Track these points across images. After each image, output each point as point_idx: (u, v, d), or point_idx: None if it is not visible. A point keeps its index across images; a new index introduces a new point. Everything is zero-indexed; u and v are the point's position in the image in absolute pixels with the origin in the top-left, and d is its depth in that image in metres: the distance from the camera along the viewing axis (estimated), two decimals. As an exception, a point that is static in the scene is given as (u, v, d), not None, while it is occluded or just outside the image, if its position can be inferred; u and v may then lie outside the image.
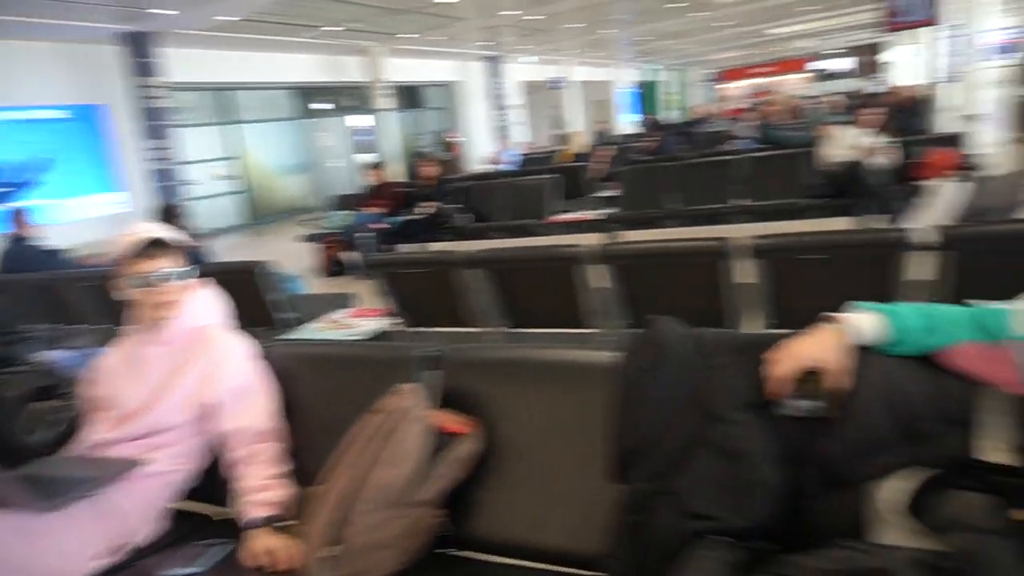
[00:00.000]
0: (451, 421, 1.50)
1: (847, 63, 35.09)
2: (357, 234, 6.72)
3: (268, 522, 1.56)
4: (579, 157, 7.71)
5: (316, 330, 3.63)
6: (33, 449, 1.90)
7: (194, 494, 1.82)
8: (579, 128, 21.29)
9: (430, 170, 6.84)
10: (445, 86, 19.83)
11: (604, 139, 12.33)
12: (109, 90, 9.89)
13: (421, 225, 6.54)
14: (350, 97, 16.45)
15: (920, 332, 1.16)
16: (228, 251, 10.35)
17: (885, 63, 31.00)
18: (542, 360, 1.57)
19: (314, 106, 15.34)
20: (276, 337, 3.67)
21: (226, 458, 1.70)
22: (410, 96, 19.18)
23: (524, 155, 12.19)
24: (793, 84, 24.66)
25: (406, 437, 1.40)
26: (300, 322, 3.76)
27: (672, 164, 6.12)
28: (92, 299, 4.10)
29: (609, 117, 27.08)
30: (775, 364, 1.19)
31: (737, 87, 25.22)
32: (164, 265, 1.71)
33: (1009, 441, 1.13)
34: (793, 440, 1.18)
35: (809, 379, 1.17)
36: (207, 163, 12.38)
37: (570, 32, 17.35)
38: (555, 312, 2.92)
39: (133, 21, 9.09)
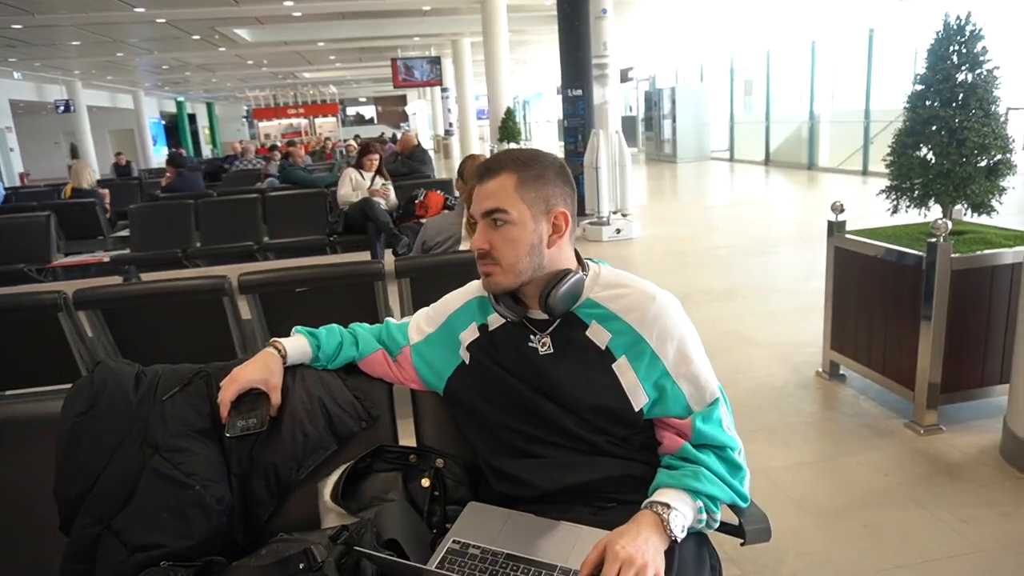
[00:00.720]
0: None
1: (370, 111, 38.86)
2: None
3: None
4: (79, 192, 6.85)
5: None
6: None
7: None
8: (87, 160, 18.86)
9: None
10: None
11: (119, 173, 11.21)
12: None
13: None
14: None
15: (335, 348, 1.42)
16: None
17: (413, 113, 35.41)
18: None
19: None
20: None
21: None
22: None
23: (11, 190, 10.23)
24: (325, 126, 26.14)
25: None
26: None
27: (191, 202, 5.92)
28: None
29: (136, 148, 24.68)
30: (222, 390, 1.32)
31: (273, 125, 25.59)
32: None
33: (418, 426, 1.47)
34: (242, 457, 1.32)
35: (246, 400, 1.32)
36: None
37: (73, 49, 15.31)
38: (32, 368, 2.59)
39: None
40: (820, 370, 3.43)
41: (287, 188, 7.41)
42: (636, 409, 1.19)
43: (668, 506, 1.07)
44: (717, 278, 5.59)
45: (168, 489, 1.20)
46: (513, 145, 12.91)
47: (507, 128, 12.95)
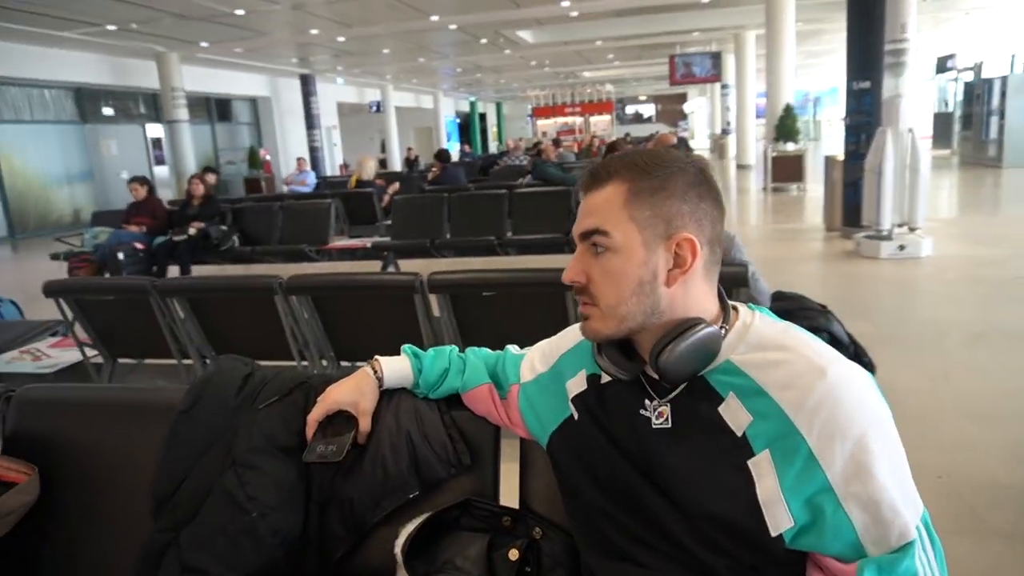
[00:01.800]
0: (7, 468, 1.37)
1: (649, 109, 38.48)
2: (118, 253, 6.17)
3: None
4: (362, 183, 7.64)
5: (5, 360, 3.25)
6: None
7: None
8: (391, 155, 21.30)
9: (198, 188, 6.46)
10: (254, 101, 19.03)
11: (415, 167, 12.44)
12: None
13: (185, 246, 6.15)
14: (144, 105, 15.27)
15: (438, 376, 1.23)
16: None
17: (691, 112, 34.56)
18: (122, 399, 1.49)
19: (97, 110, 14.02)
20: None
21: None
22: (220, 109, 18.19)
23: (322, 178, 11.94)
24: (599, 124, 26.49)
25: (-79, 491, 1.25)
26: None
27: (445, 195, 6.25)
28: None
29: (432, 145, 27.46)
30: (314, 408, 1.21)
31: (550, 123, 26.66)
32: None
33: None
34: (324, 484, 1.20)
35: (336, 422, 1.20)
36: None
37: (388, 57, 17.39)
38: (257, 343, 2.83)
39: None
40: None
41: (538, 185, 7.51)
42: (773, 533, 0.81)
43: None
44: (1028, 317, 4.38)
45: (227, 510, 1.12)
46: (790, 147, 11.76)
47: (784, 126, 11.83)
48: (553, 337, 1.18)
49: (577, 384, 1.04)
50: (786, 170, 11.73)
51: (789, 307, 2.89)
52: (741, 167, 17.18)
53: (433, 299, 2.61)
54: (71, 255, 6.34)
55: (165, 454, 1.23)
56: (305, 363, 2.86)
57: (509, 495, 1.23)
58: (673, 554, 0.89)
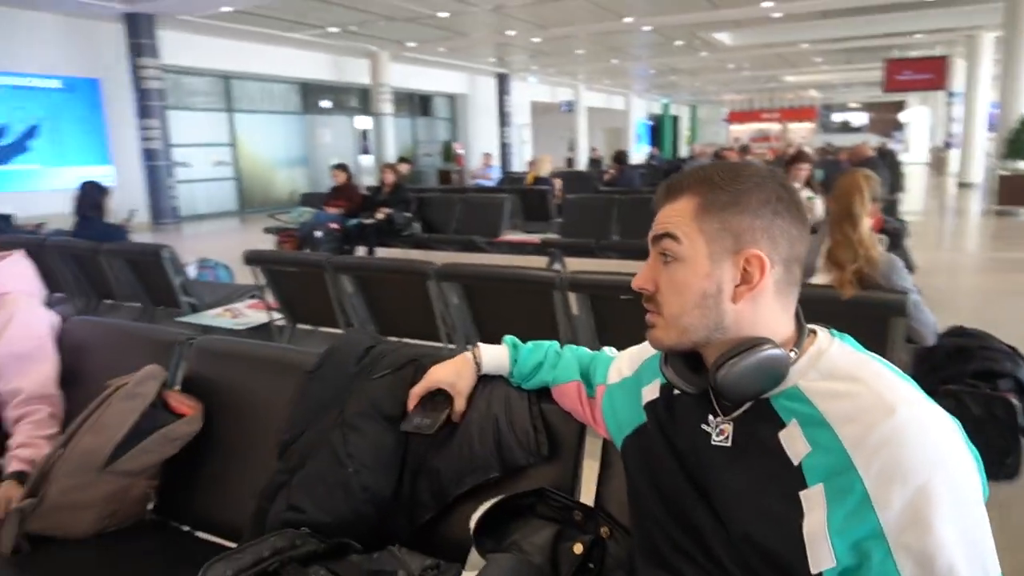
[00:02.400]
0: (180, 402, 1.64)
1: (860, 118, 35.31)
2: (316, 232, 6.90)
3: (18, 475, 1.70)
4: (539, 180, 7.85)
5: (211, 316, 3.80)
6: None
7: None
8: (577, 154, 21.50)
9: (389, 177, 7.02)
10: (452, 97, 20.14)
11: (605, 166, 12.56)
12: (104, 66, 10.19)
13: (372, 229, 6.72)
14: (356, 98, 16.77)
15: (532, 368, 1.29)
16: (202, 236, 10.59)
17: (906, 122, 31.31)
18: (271, 356, 1.71)
19: (316, 103, 15.63)
20: (177, 319, 3.84)
21: (3, 415, 1.85)
22: (422, 104, 19.53)
23: (507, 174, 12.42)
24: (799, 132, 24.81)
25: (115, 410, 1.54)
26: (203, 307, 3.93)
27: (616, 197, 6.25)
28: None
29: (621, 146, 27.38)
30: (418, 384, 1.33)
31: (743, 129, 25.41)
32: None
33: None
34: (419, 454, 1.31)
35: (436, 399, 1.30)
36: (199, 147, 12.65)
37: (581, 57, 17.61)
38: (411, 323, 3.06)
39: (135, 2, 9.37)
40: None
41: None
42: (813, 571, 0.78)
43: None
44: None
45: (329, 462, 1.26)
46: (1021, 165, 10.31)
47: (1019, 141, 10.39)
48: (643, 344, 1.19)
49: (651, 391, 1.05)
50: (1015, 192, 10.28)
51: (967, 344, 2.59)
52: (963, 185, 15.29)
53: (573, 297, 2.66)
54: (280, 230, 7.17)
55: (293, 407, 1.41)
56: (452, 346, 3.05)
57: (587, 492, 1.27)
58: (713, 573, 0.88)
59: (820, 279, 2.25)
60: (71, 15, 9.73)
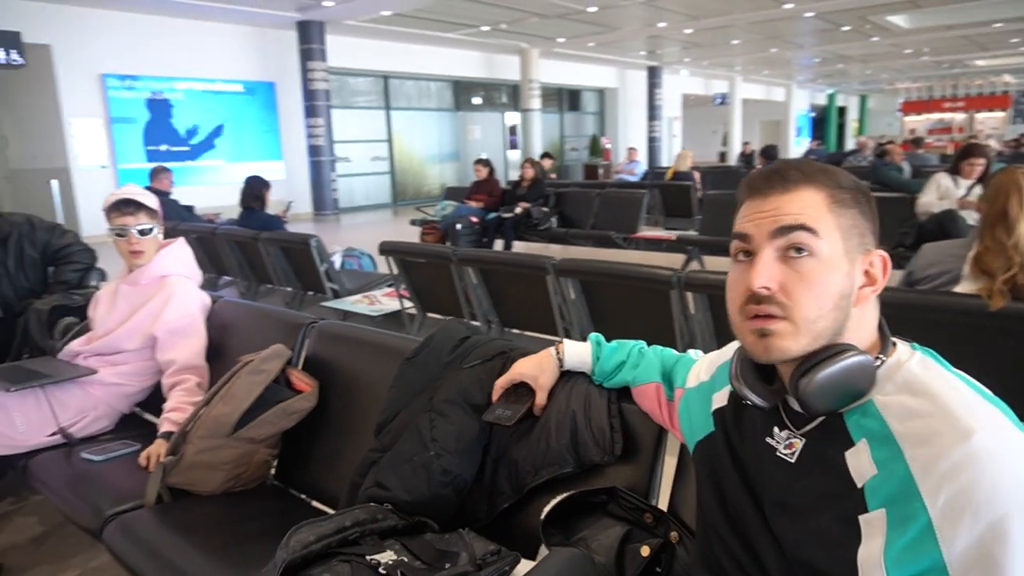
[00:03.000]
0: (299, 379, 1.79)
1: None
2: (457, 224, 7.16)
3: (167, 435, 1.94)
4: (679, 175, 7.63)
5: (351, 302, 4.07)
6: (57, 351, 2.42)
7: (147, 406, 2.26)
8: (731, 149, 20.58)
9: (528, 172, 7.13)
10: (601, 92, 20.01)
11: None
12: (280, 70, 11.18)
13: (510, 223, 6.86)
14: (505, 94, 17.14)
15: (613, 367, 1.28)
16: (357, 226, 11.32)
17: None
18: (378, 342, 1.82)
19: (468, 99, 16.16)
20: (323, 303, 4.17)
21: (162, 382, 2.11)
22: (570, 98, 19.60)
23: (653, 168, 12.17)
24: (988, 123, 22.09)
25: (243, 383, 1.71)
26: (344, 293, 4.23)
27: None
28: (199, 248, 4.85)
29: (778, 140, 25.89)
30: (504, 376, 1.36)
31: (920, 120, 23.02)
32: (138, 222, 2.14)
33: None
34: (500, 443, 1.35)
35: (519, 392, 1.33)
36: (358, 144, 13.51)
37: (737, 48, 16.85)
38: (530, 316, 3.11)
39: (307, 10, 10.18)
40: None
41: (876, 189, 6.69)
42: None
43: None
44: None
45: (415, 444, 1.33)
46: None
47: None
48: (726, 347, 1.15)
49: (721, 398, 1.02)
50: None
51: None
52: None
53: (691, 297, 2.59)
54: (424, 223, 7.52)
55: (391, 390, 1.50)
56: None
57: (664, 495, 1.24)
58: None
59: (964, 287, 2.03)
60: (251, 24, 10.76)
